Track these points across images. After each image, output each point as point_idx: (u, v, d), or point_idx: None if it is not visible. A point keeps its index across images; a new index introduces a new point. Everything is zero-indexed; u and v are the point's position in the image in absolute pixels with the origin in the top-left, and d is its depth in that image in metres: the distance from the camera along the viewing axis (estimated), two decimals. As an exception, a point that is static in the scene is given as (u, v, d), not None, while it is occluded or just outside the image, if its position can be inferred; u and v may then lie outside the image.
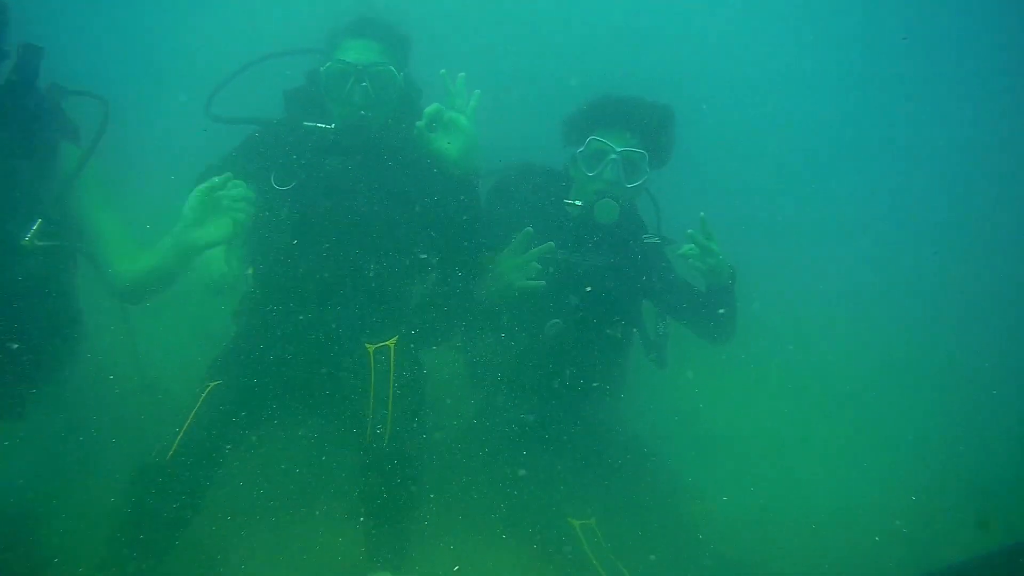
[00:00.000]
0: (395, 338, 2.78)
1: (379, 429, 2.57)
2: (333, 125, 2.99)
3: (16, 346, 2.44)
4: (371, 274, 2.96)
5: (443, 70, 2.94)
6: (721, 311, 3.38)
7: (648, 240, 3.44)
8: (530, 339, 3.38)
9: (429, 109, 2.86)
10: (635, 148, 3.23)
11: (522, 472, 3.16)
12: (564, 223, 3.35)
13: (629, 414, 3.93)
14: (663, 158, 3.37)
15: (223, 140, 3.23)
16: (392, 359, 2.68)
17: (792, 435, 5.07)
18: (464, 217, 2.95)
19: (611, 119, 3.27)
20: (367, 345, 2.76)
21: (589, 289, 3.34)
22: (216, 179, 2.59)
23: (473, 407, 3.62)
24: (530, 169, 3.56)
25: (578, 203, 3.25)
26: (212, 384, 2.74)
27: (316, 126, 2.99)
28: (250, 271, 3.10)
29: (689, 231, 3.19)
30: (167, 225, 2.70)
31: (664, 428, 4.40)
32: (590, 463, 3.38)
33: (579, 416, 3.56)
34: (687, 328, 3.57)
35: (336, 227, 2.97)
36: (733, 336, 3.54)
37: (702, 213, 3.15)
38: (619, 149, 3.20)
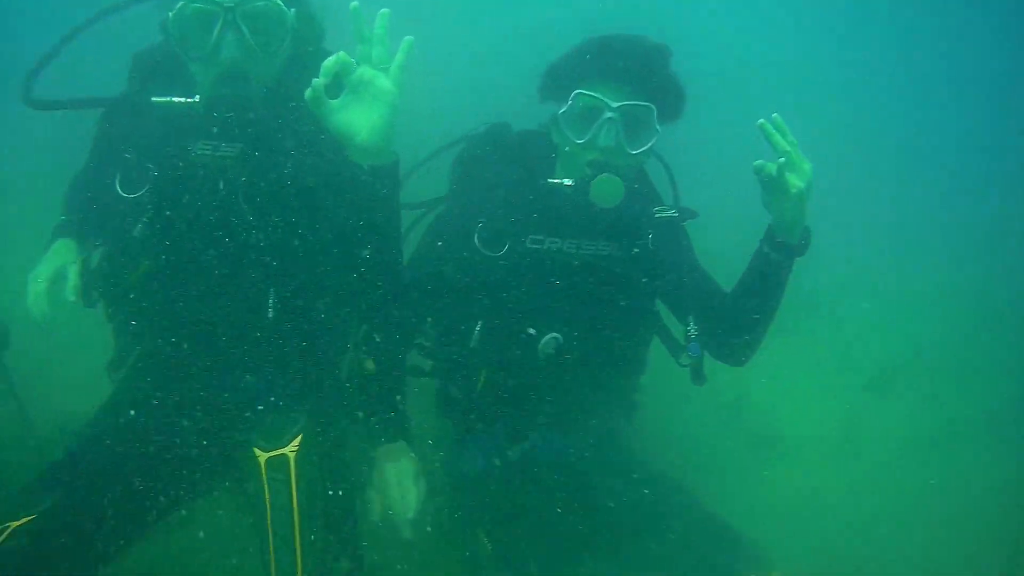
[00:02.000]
0: (297, 439, 1.93)
1: None
2: (196, 98, 2.03)
3: None
4: (271, 318, 2.13)
5: (354, 1, 1.92)
6: (757, 290, 2.49)
7: (661, 214, 2.59)
8: (521, 360, 2.57)
9: (328, 62, 1.88)
10: (637, 101, 2.38)
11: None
12: (551, 207, 2.51)
13: (652, 438, 3.14)
14: (675, 109, 2.52)
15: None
16: (293, 476, 1.83)
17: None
18: (371, 239, 2.09)
19: (602, 66, 2.40)
20: (256, 452, 1.91)
21: (589, 287, 2.54)
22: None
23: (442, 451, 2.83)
24: (501, 135, 2.70)
25: (567, 182, 2.40)
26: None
27: (171, 101, 2.03)
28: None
29: (763, 122, 2.26)
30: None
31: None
32: (600, 521, 2.60)
33: (585, 453, 2.78)
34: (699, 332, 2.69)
35: (210, 250, 2.09)
36: (752, 352, 2.69)
37: (775, 114, 2.28)
38: (616, 104, 2.35)
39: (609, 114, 2.33)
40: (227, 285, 2.12)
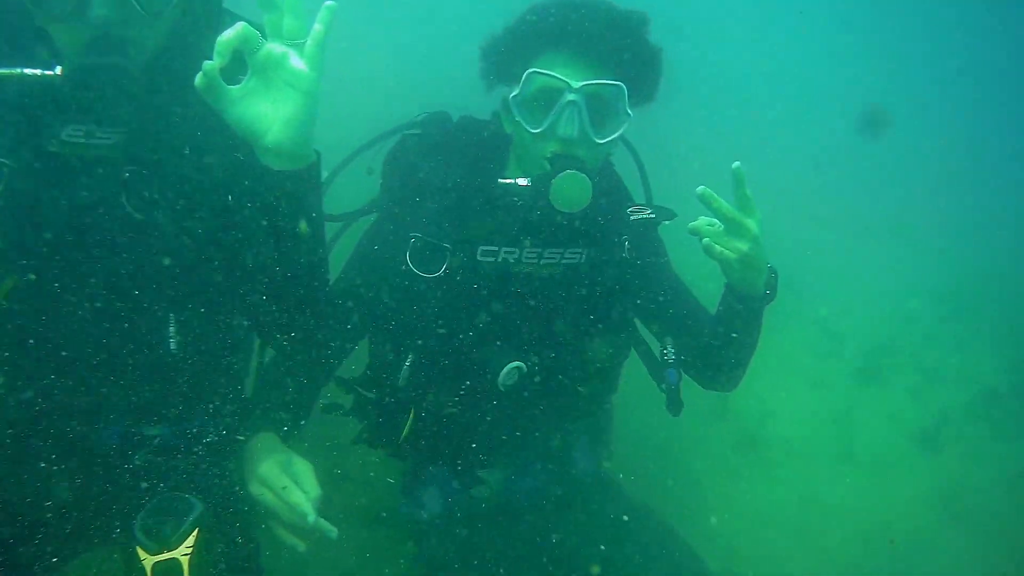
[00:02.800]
0: (192, 536, 1.52)
1: None
2: (58, 70, 1.50)
3: None
4: (173, 350, 1.72)
5: None
6: (734, 335, 2.14)
7: (636, 217, 2.20)
8: (479, 395, 2.21)
9: (225, 37, 1.38)
10: (604, 80, 1.99)
11: None
12: (504, 211, 2.12)
13: (629, 444, 2.78)
14: (649, 88, 2.13)
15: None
16: None
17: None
18: (294, 256, 1.67)
19: (559, 37, 2.01)
20: (140, 552, 1.49)
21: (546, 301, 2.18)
22: None
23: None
24: (440, 126, 2.30)
25: (521, 182, 2.01)
26: None
27: (22, 74, 1.49)
28: None
29: (702, 189, 1.87)
30: None
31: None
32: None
33: (553, 486, 2.43)
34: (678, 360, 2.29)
35: (88, 265, 1.65)
36: (739, 380, 2.34)
37: (736, 163, 1.88)
38: (577, 84, 1.95)
39: (570, 96, 1.94)
40: (112, 309, 1.67)
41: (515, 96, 2.02)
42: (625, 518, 2.40)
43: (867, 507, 3.75)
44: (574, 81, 1.95)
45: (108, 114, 1.57)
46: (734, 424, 4.18)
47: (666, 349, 2.24)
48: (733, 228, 1.91)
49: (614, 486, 2.58)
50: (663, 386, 2.28)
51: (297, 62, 1.47)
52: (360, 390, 2.26)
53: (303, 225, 1.58)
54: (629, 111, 2.02)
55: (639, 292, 2.26)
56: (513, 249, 2.13)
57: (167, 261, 1.68)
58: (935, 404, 5.12)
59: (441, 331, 2.12)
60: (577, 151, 1.98)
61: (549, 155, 1.99)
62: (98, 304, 1.65)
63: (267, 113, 1.48)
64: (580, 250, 2.19)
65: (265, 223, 1.59)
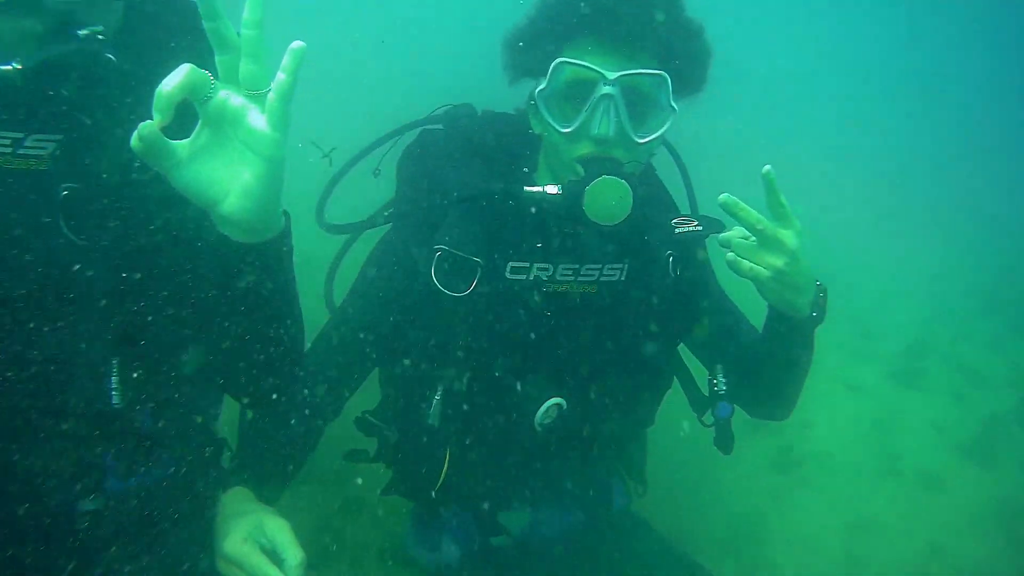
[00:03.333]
0: None
1: None
2: (15, 65, 1.16)
3: None
4: (116, 405, 1.42)
5: None
6: (781, 361, 1.87)
7: (682, 230, 1.90)
8: (508, 434, 1.94)
9: (167, 87, 1.05)
10: (644, 69, 1.69)
11: None
12: (535, 223, 1.83)
13: (656, 487, 2.49)
14: (698, 76, 1.83)
15: None
16: None
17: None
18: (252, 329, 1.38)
19: (590, 21, 1.70)
20: None
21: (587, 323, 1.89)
22: None
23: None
24: (463, 123, 2.00)
25: (550, 190, 1.72)
26: None
27: None
28: None
29: (724, 197, 1.58)
30: None
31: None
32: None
33: (585, 526, 2.15)
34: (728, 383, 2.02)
35: (14, 302, 1.34)
36: (792, 409, 2.07)
37: (767, 167, 1.60)
38: (613, 75, 1.66)
39: (606, 89, 1.65)
40: (45, 353, 1.37)
41: (542, 90, 1.72)
42: (656, 558, 2.13)
43: (919, 530, 3.45)
44: (609, 71, 1.65)
45: (43, 117, 1.28)
46: (769, 439, 3.88)
47: (716, 379, 1.96)
48: (766, 241, 1.62)
49: (645, 524, 2.32)
50: (707, 418, 2.01)
51: (257, 119, 1.15)
52: (385, 431, 1.99)
53: (268, 286, 1.30)
54: (674, 104, 1.72)
55: (686, 315, 1.97)
56: (546, 265, 1.85)
57: (110, 296, 1.39)
58: (981, 409, 4.80)
59: (472, 360, 1.84)
60: (614, 152, 1.70)
61: (581, 157, 1.70)
62: (33, 350, 1.36)
63: (222, 178, 1.17)
64: (620, 264, 1.90)
65: (221, 282, 1.30)
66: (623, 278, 1.91)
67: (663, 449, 2.86)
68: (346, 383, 1.94)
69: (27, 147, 1.29)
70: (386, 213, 1.99)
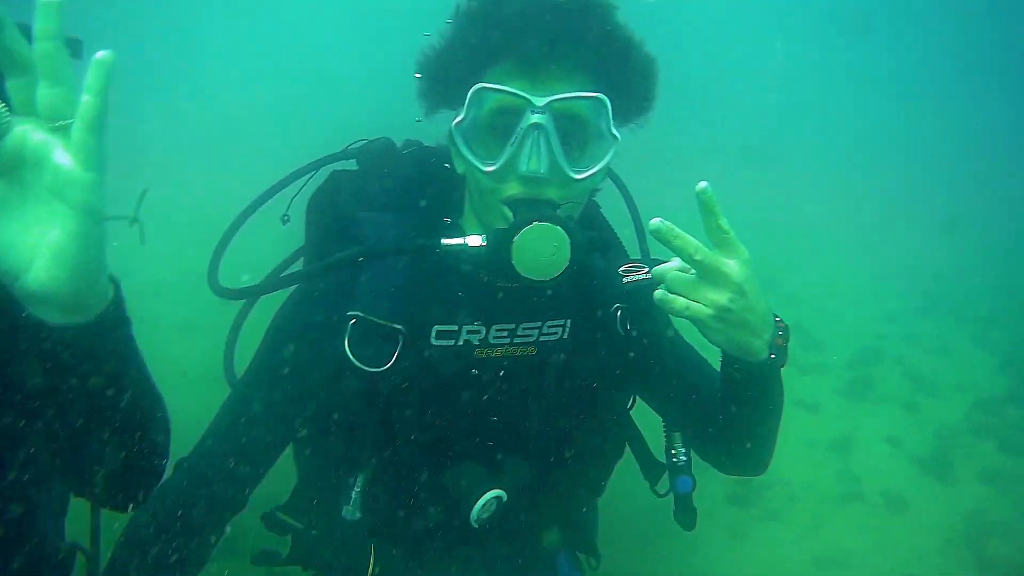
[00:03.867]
0: None
1: None
2: None
3: None
4: None
5: None
6: (741, 411, 1.58)
7: (632, 279, 1.63)
8: (449, 528, 1.65)
9: None
10: (579, 93, 1.43)
11: None
12: (459, 280, 1.55)
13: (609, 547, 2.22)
14: (641, 97, 1.56)
15: None
16: None
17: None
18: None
19: (513, 40, 1.43)
20: None
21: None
22: None
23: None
24: (380, 160, 1.73)
25: (472, 242, 1.43)
26: None
27: None
28: None
29: (656, 223, 1.29)
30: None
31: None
32: None
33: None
34: (690, 444, 1.73)
35: None
36: (766, 462, 1.76)
37: (702, 184, 1.30)
38: (542, 101, 1.38)
39: (534, 118, 1.37)
40: None
41: (459, 123, 1.44)
42: None
43: (888, 558, 3.27)
44: (537, 96, 1.38)
45: None
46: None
47: (675, 449, 1.69)
48: (707, 273, 1.34)
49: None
50: (660, 487, 1.75)
51: (63, 158, 0.87)
52: (299, 527, 1.68)
53: (96, 381, 0.99)
54: (615, 132, 1.46)
55: (638, 374, 1.71)
56: (477, 327, 1.56)
57: None
58: (933, 418, 4.72)
59: (396, 444, 1.55)
60: (547, 192, 1.43)
61: (510, 199, 1.42)
62: None
63: (23, 241, 0.89)
64: (561, 321, 1.63)
65: (40, 375, 0.99)
66: (566, 336, 1.64)
67: (609, 505, 2.62)
68: (251, 472, 1.62)
69: None
70: (291, 273, 1.68)
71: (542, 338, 1.62)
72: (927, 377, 5.34)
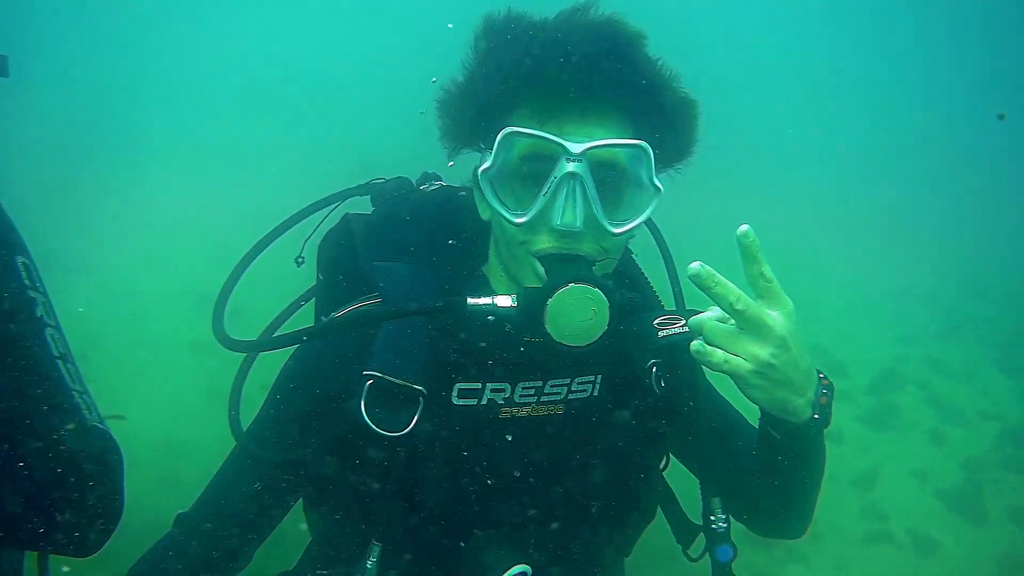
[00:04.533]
0: None
1: None
2: None
3: None
4: None
5: None
6: (780, 473, 1.45)
7: (667, 333, 1.49)
8: None
9: None
10: (619, 140, 1.30)
11: None
12: (486, 338, 1.42)
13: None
14: (683, 143, 1.43)
15: None
16: None
17: None
18: None
19: (545, 78, 1.30)
20: None
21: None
22: None
23: None
24: (398, 203, 1.62)
25: (502, 303, 1.30)
26: None
27: None
28: None
29: (696, 268, 1.14)
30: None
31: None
32: None
33: None
34: (729, 509, 1.58)
35: None
36: (806, 524, 1.64)
37: (743, 227, 1.19)
38: (579, 148, 1.26)
39: (569, 166, 1.25)
40: None
41: (486, 170, 1.31)
42: None
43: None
44: (573, 142, 1.25)
45: None
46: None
47: (714, 515, 1.55)
48: (748, 325, 1.21)
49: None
50: (693, 551, 1.62)
51: None
52: None
53: None
54: (657, 182, 1.34)
55: (673, 435, 1.58)
56: (502, 385, 1.44)
57: None
58: (960, 449, 4.57)
59: (415, 514, 1.43)
60: (582, 247, 1.30)
61: (542, 254, 1.30)
62: None
63: None
64: (591, 377, 1.50)
65: None
66: (596, 393, 1.51)
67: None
68: (255, 531, 1.50)
69: None
70: (304, 329, 1.55)
71: (571, 395, 1.49)
72: (951, 404, 5.18)
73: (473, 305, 1.28)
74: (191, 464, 3.01)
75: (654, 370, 1.50)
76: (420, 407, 1.37)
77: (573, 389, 1.49)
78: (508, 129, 1.27)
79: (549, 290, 1.22)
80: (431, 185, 1.72)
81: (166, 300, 5.43)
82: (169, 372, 4.47)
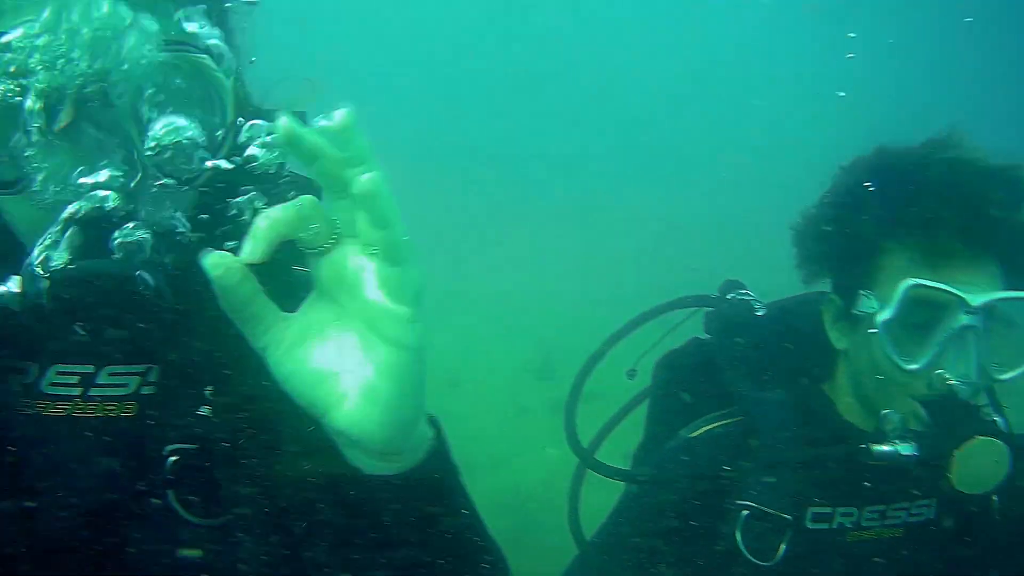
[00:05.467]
0: None
1: None
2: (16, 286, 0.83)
3: None
4: None
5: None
6: None
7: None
8: None
9: (262, 225, 0.74)
10: (1015, 293, 1.36)
11: None
12: (862, 473, 1.49)
13: None
14: None
15: None
16: None
17: None
18: None
19: (947, 225, 1.36)
20: None
21: None
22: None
23: None
24: (745, 320, 1.68)
25: (904, 450, 1.36)
26: None
27: None
28: None
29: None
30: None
31: None
32: None
33: None
34: None
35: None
36: None
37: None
38: (977, 302, 1.32)
39: (966, 319, 1.30)
40: None
41: (888, 320, 1.37)
42: None
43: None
44: (972, 295, 1.31)
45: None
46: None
47: None
48: None
49: None
50: None
51: (372, 287, 0.79)
52: None
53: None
54: (1032, 331, 1.39)
55: (1010, 557, 1.63)
56: (850, 510, 1.51)
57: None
58: None
59: None
60: (969, 395, 1.35)
61: (927, 400, 1.36)
62: None
63: (335, 373, 0.81)
64: (927, 502, 1.56)
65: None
66: (932, 516, 1.57)
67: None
68: None
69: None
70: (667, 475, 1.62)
71: (910, 519, 1.56)
72: None
73: (878, 452, 1.34)
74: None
75: (994, 498, 1.55)
76: (788, 535, 1.44)
77: (912, 512, 1.55)
78: (913, 282, 1.33)
79: (955, 441, 1.28)
80: (738, 295, 1.76)
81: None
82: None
